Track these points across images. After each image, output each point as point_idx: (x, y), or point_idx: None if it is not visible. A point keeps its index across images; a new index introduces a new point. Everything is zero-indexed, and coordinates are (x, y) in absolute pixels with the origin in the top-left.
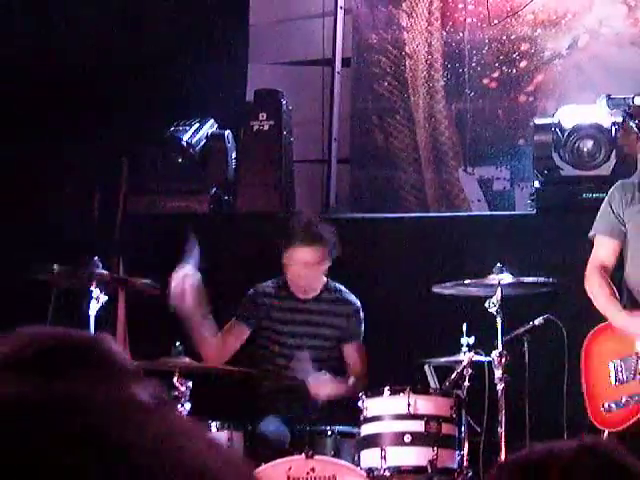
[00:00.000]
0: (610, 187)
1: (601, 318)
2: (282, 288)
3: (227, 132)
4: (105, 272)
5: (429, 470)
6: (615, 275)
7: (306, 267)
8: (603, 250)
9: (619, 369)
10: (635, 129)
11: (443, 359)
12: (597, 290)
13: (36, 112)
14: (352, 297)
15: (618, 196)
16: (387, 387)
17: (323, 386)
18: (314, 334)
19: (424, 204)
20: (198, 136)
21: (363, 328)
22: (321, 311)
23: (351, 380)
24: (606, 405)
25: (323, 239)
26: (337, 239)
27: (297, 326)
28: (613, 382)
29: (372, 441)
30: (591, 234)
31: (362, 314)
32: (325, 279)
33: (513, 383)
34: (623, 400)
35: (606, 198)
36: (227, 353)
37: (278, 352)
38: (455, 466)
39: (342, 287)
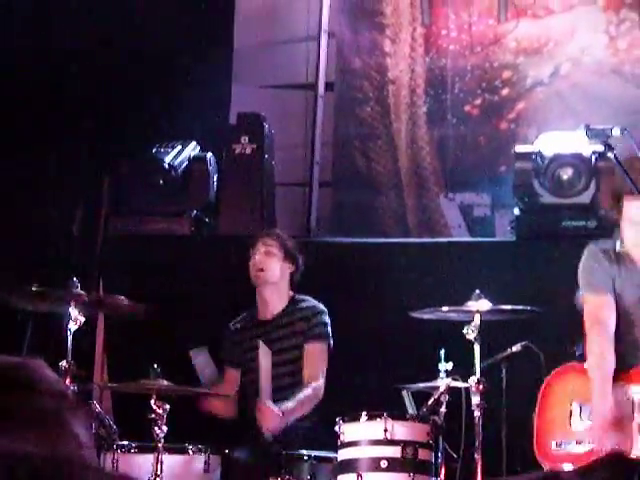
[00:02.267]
0: (588, 215)
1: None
2: (249, 318)
3: (209, 155)
4: (83, 293)
5: None
6: None
7: (264, 254)
8: (607, 307)
9: (579, 410)
10: (614, 160)
11: (421, 385)
12: (596, 359)
13: (18, 132)
14: (315, 303)
15: (603, 258)
16: (364, 412)
17: (271, 417)
18: (280, 349)
19: (405, 229)
20: (180, 158)
21: (327, 331)
22: (285, 324)
23: (300, 397)
24: (557, 442)
25: (277, 233)
26: (297, 250)
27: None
28: (568, 422)
29: (349, 466)
30: (579, 297)
31: (325, 317)
32: (291, 293)
33: (490, 409)
34: (574, 443)
35: (585, 263)
36: (232, 403)
37: (249, 371)
38: None
39: (307, 297)
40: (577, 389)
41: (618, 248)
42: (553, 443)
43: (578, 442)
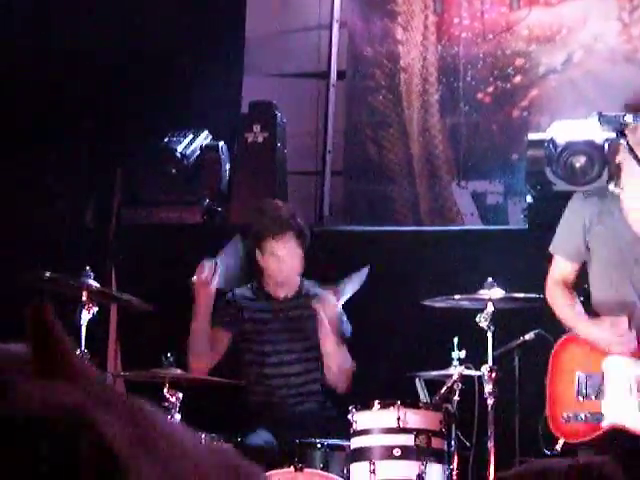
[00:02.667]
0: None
1: None
2: (258, 291)
3: (221, 143)
4: (97, 284)
5: None
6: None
7: (289, 257)
8: (561, 269)
9: (584, 383)
10: (626, 147)
11: (434, 373)
12: (561, 301)
13: (31, 123)
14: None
15: (581, 214)
16: (377, 400)
17: (332, 305)
18: (293, 335)
19: (417, 217)
20: (192, 147)
21: (348, 327)
22: (297, 308)
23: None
24: (565, 415)
25: (292, 224)
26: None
27: (275, 327)
28: (576, 394)
29: (361, 454)
30: (550, 249)
31: (344, 315)
32: (298, 279)
33: (503, 398)
34: (582, 415)
35: (566, 213)
36: (210, 362)
37: (264, 352)
38: None
39: (316, 284)
40: (580, 359)
41: (612, 188)
42: (563, 416)
43: (585, 416)
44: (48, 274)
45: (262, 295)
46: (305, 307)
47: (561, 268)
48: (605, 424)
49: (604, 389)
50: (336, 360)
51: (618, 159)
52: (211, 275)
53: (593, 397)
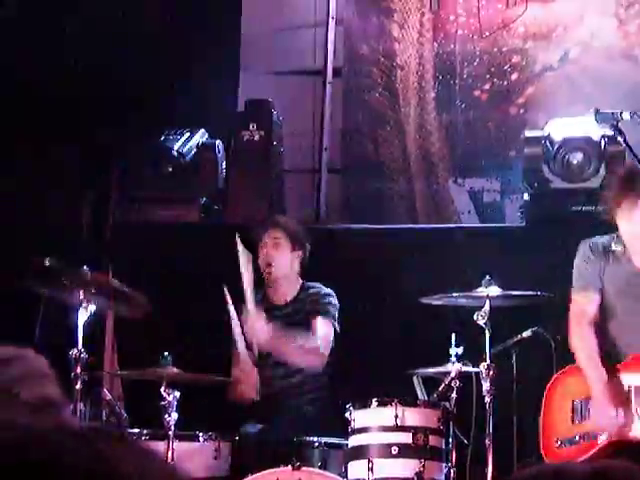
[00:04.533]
0: (598, 200)
1: None
2: (262, 300)
3: (217, 142)
4: (94, 279)
5: None
6: None
7: (273, 248)
8: (591, 304)
9: (579, 408)
10: (623, 143)
11: (431, 370)
12: (583, 344)
13: (26, 120)
14: (323, 287)
15: (593, 256)
16: (375, 398)
17: (259, 331)
18: (296, 330)
19: (414, 215)
20: (189, 145)
21: (334, 313)
22: (298, 311)
23: (298, 339)
24: (559, 441)
25: (283, 222)
26: (305, 235)
27: (280, 330)
28: (570, 419)
29: (359, 453)
30: (572, 292)
31: (332, 299)
32: (301, 281)
33: (501, 395)
34: (577, 437)
35: (577, 260)
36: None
37: (262, 356)
38: (442, 478)
39: (316, 284)
40: (578, 388)
41: (614, 247)
42: (556, 442)
43: (580, 437)
44: (48, 261)
45: (264, 304)
46: (302, 310)
47: (589, 301)
48: (602, 439)
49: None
50: (296, 358)
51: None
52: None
53: (587, 419)
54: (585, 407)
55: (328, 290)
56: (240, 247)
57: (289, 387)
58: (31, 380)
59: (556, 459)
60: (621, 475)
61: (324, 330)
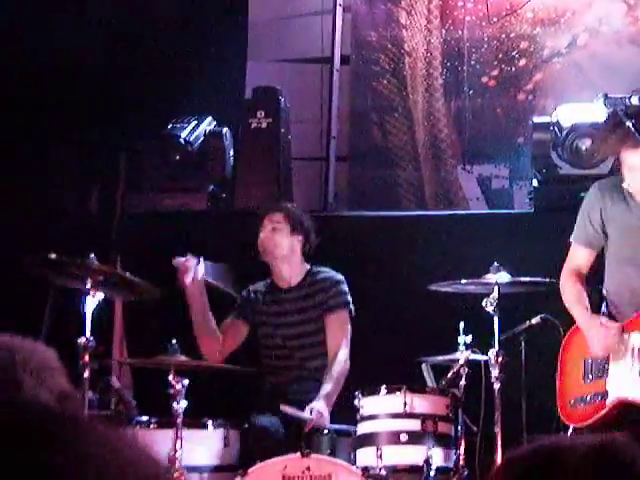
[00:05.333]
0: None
1: None
2: (269, 284)
3: (225, 129)
4: (101, 270)
5: (425, 469)
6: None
7: (271, 231)
8: (579, 258)
9: (589, 367)
10: (632, 129)
11: (440, 357)
12: (568, 290)
13: (36, 109)
14: (332, 273)
15: (595, 201)
16: (383, 386)
17: (322, 417)
18: (301, 321)
19: (422, 202)
20: (196, 133)
21: (347, 299)
22: (305, 295)
23: (334, 377)
24: (572, 401)
25: (283, 207)
26: (308, 221)
27: (285, 317)
28: (582, 379)
29: (368, 440)
30: (571, 239)
31: (344, 286)
32: (308, 266)
33: (510, 382)
34: (588, 397)
35: (583, 203)
36: (226, 350)
37: (272, 345)
38: (451, 465)
39: (324, 268)
40: (587, 346)
41: (625, 185)
42: (570, 402)
43: (592, 396)
44: (54, 256)
45: (270, 288)
46: (310, 294)
47: (577, 256)
48: (609, 401)
49: (608, 368)
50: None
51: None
52: (194, 264)
53: (597, 377)
54: (595, 365)
55: (337, 277)
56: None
57: (299, 376)
58: (48, 373)
59: (570, 419)
60: (622, 453)
61: (344, 326)
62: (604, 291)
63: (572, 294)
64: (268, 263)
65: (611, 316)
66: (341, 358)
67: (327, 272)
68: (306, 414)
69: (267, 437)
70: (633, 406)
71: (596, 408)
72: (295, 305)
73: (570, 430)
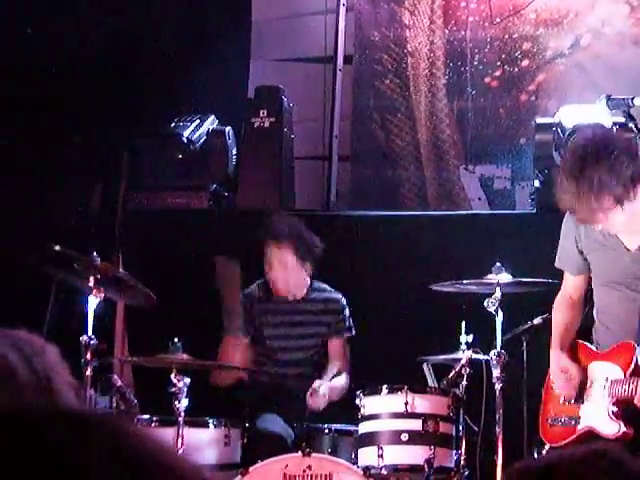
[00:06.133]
0: None
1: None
2: (268, 291)
3: (228, 128)
4: (102, 268)
5: (426, 469)
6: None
7: (278, 268)
8: (568, 285)
9: None
10: (635, 130)
11: (441, 357)
12: (553, 319)
13: (38, 108)
14: (338, 295)
15: (569, 231)
16: (385, 385)
17: (321, 399)
18: (302, 335)
19: (424, 202)
20: (199, 132)
21: (351, 324)
22: (308, 311)
23: (341, 382)
24: (549, 419)
25: (291, 236)
26: (313, 239)
27: (285, 328)
28: (561, 400)
29: (369, 439)
30: (556, 264)
31: (347, 311)
32: (309, 280)
33: (511, 382)
34: (562, 419)
35: (562, 229)
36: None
37: (267, 356)
38: (452, 465)
39: (326, 286)
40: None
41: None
42: (548, 420)
43: (564, 419)
44: (57, 248)
45: (271, 296)
46: (310, 312)
47: (568, 283)
48: (580, 427)
49: (585, 394)
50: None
51: None
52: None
53: (574, 401)
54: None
55: (344, 301)
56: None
57: (300, 375)
58: (60, 367)
59: (546, 437)
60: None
61: (347, 350)
62: (594, 312)
63: (555, 323)
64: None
65: (597, 339)
66: (345, 379)
67: (332, 292)
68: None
69: (267, 434)
70: (599, 437)
71: (567, 432)
72: (297, 318)
73: (546, 448)
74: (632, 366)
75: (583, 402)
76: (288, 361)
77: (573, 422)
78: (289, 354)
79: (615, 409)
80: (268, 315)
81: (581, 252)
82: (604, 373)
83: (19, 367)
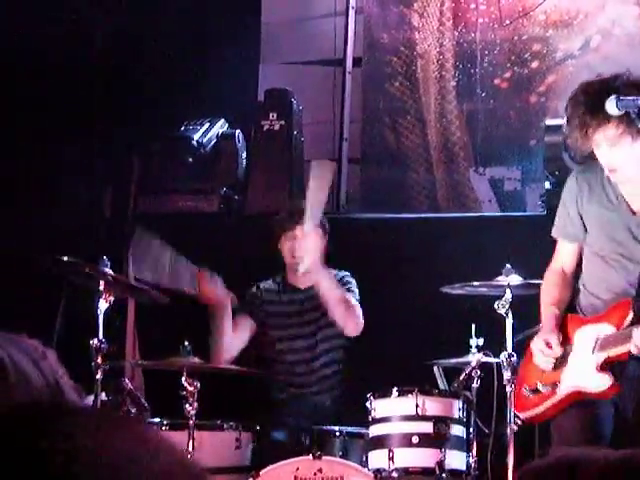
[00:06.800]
0: None
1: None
2: (282, 283)
3: (238, 132)
4: (114, 274)
5: (437, 472)
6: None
7: (299, 239)
8: (563, 255)
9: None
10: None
11: (452, 360)
12: (543, 291)
13: (49, 110)
14: (343, 273)
15: (571, 193)
16: (395, 388)
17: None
18: (317, 319)
19: (435, 204)
20: (209, 135)
21: (353, 289)
22: (316, 295)
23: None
24: (526, 390)
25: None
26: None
27: (301, 315)
28: (540, 369)
29: (380, 442)
30: (553, 233)
31: (350, 280)
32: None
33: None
34: (539, 387)
35: (562, 194)
36: (235, 349)
37: (289, 342)
38: (463, 468)
39: (338, 271)
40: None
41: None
42: (523, 391)
43: (543, 385)
44: (66, 258)
45: (287, 288)
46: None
47: (563, 252)
48: (561, 391)
49: (568, 358)
50: (332, 298)
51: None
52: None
53: (554, 367)
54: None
55: (349, 276)
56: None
57: (313, 374)
58: (61, 370)
59: (520, 409)
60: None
61: (354, 301)
62: (580, 285)
63: (544, 301)
64: (287, 263)
65: (584, 311)
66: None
67: (341, 273)
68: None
69: (278, 437)
70: (583, 396)
71: (543, 398)
72: (310, 304)
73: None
74: (627, 321)
75: (565, 366)
76: (305, 348)
77: (550, 388)
78: (305, 340)
79: (603, 359)
80: (283, 306)
81: (581, 217)
82: (594, 334)
83: (32, 372)
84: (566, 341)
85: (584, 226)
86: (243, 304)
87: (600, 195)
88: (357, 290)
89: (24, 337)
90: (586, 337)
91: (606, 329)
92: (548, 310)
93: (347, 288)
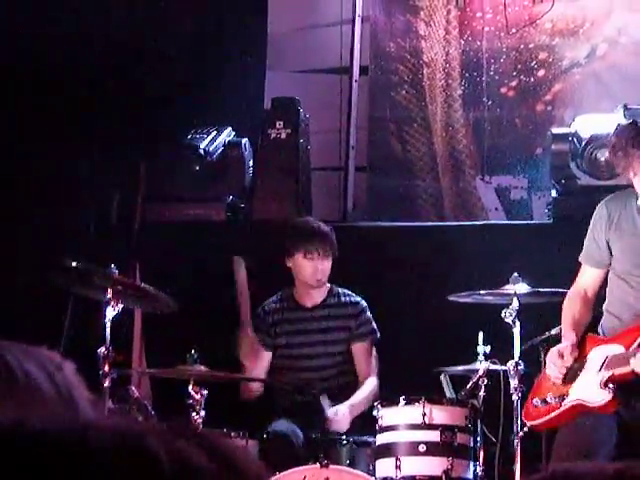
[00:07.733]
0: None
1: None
2: (287, 301)
3: (244, 140)
4: (121, 280)
5: None
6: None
7: (324, 260)
8: (585, 278)
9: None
10: None
11: (459, 368)
12: (564, 311)
13: (55, 119)
14: (357, 298)
15: (601, 220)
16: (402, 396)
17: (342, 420)
18: (325, 340)
19: (441, 213)
20: (215, 144)
21: (373, 326)
22: (329, 316)
23: (365, 392)
24: (535, 400)
25: (328, 234)
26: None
27: (308, 335)
28: (550, 381)
29: (387, 451)
30: (580, 259)
31: (369, 313)
32: (328, 285)
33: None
34: (548, 398)
35: (592, 221)
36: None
37: (290, 366)
38: (470, 476)
39: (345, 290)
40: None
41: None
42: (533, 401)
43: (551, 398)
44: (74, 264)
45: (291, 305)
46: (334, 316)
47: (585, 276)
48: (566, 403)
49: (579, 374)
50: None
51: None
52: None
53: (565, 381)
54: (570, 372)
55: (364, 303)
56: (236, 258)
57: (324, 389)
58: (78, 382)
59: (529, 418)
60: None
61: (373, 354)
62: (604, 309)
63: (565, 316)
64: (302, 280)
65: (606, 332)
66: (374, 382)
67: (352, 296)
68: (330, 413)
69: (286, 444)
70: (585, 409)
71: (551, 409)
72: (319, 324)
73: (526, 427)
74: (636, 343)
75: (575, 381)
76: (314, 367)
77: (558, 400)
78: (314, 360)
79: (607, 377)
80: (288, 325)
81: (607, 242)
82: (605, 353)
83: (43, 383)
84: (581, 358)
85: (610, 251)
86: (256, 331)
87: (629, 222)
88: (372, 321)
89: (42, 349)
90: (598, 355)
91: (616, 349)
92: (568, 327)
93: (370, 331)
